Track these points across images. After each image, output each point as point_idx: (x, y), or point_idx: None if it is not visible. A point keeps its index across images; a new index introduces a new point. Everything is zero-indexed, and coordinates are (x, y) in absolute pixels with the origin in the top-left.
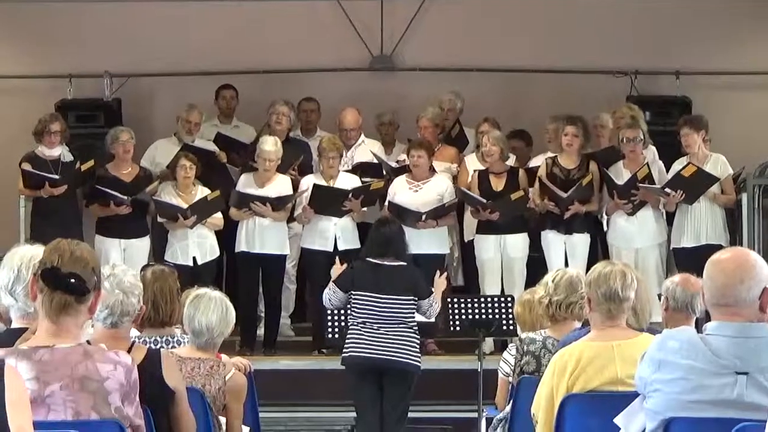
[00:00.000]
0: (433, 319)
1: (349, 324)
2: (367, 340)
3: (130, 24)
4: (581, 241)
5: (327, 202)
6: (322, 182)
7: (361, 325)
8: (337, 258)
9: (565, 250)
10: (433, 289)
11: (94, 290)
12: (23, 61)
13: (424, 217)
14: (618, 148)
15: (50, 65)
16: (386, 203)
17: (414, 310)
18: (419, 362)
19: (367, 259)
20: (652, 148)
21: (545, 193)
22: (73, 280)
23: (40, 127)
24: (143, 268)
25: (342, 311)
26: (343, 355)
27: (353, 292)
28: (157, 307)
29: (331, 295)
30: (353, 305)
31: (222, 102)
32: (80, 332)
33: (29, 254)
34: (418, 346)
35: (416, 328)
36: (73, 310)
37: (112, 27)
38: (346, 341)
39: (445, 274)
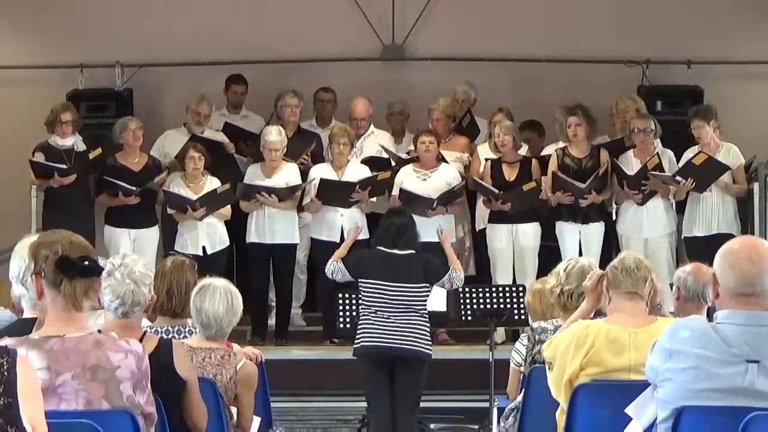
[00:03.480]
0: (460, 285)
1: (360, 314)
2: (378, 329)
3: (141, 14)
4: (596, 230)
5: (334, 194)
6: (332, 171)
7: (372, 315)
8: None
9: (580, 240)
10: (450, 265)
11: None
12: (35, 52)
13: (435, 204)
14: (623, 140)
15: (62, 55)
16: (393, 194)
17: (426, 298)
18: (430, 350)
19: (378, 248)
20: (657, 139)
21: (560, 187)
22: (87, 263)
23: (52, 117)
24: (165, 257)
25: (353, 301)
26: (355, 345)
27: (363, 281)
28: (171, 297)
29: (336, 271)
30: (363, 294)
31: (231, 97)
32: (88, 319)
33: None
34: (429, 334)
35: (427, 315)
36: (93, 292)
37: (123, 17)
38: (358, 331)
39: (445, 231)
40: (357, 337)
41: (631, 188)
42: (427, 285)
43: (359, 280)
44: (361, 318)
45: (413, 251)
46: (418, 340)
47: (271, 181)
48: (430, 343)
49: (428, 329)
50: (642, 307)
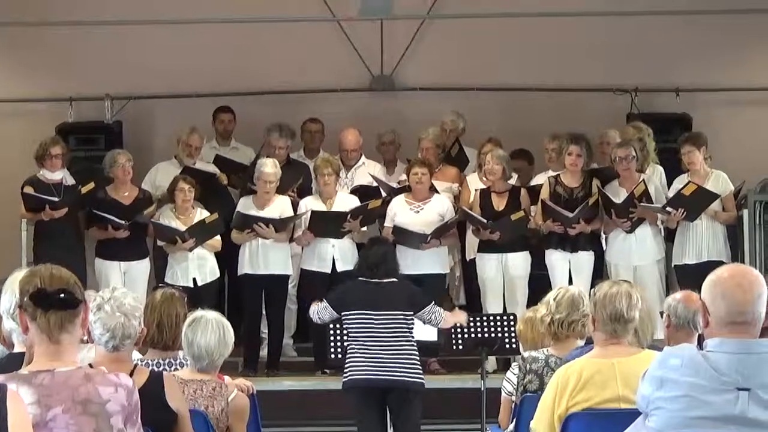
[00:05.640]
0: (437, 327)
1: (347, 346)
2: (367, 360)
3: (130, 47)
4: (586, 259)
5: (326, 225)
6: (320, 202)
7: (359, 346)
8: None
9: (570, 268)
10: (435, 305)
11: (82, 303)
12: (24, 85)
13: (429, 238)
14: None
15: (51, 88)
16: (386, 225)
17: (411, 326)
18: (422, 379)
19: (359, 278)
20: (659, 168)
21: (549, 215)
22: (62, 295)
23: (41, 151)
24: (154, 289)
25: (344, 331)
26: (344, 378)
27: (346, 313)
28: (162, 330)
29: (321, 311)
30: (349, 325)
31: (219, 126)
32: (77, 353)
33: None
34: (418, 362)
35: (415, 343)
36: (71, 325)
37: (112, 50)
38: (346, 364)
39: (459, 314)
40: (345, 369)
41: (619, 217)
42: (411, 312)
43: (343, 313)
44: (348, 351)
45: (394, 279)
46: (408, 370)
47: (263, 213)
48: (421, 371)
49: (417, 357)
50: (625, 341)
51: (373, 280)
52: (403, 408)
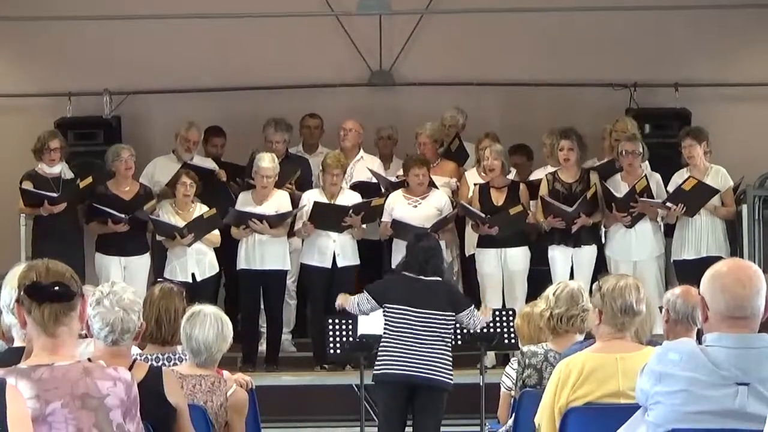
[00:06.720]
0: (478, 329)
1: (382, 338)
2: (400, 355)
3: (128, 42)
4: (588, 253)
5: (327, 218)
6: (324, 199)
7: (395, 340)
8: (340, 296)
9: (572, 264)
10: (474, 308)
11: (78, 296)
12: (22, 80)
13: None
14: (614, 161)
15: (49, 83)
16: (383, 221)
17: (451, 326)
18: (451, 379)
19: (404, 273)
20: (646, 162)
21: (549, 211)
22: (57, 288)
23: (39, 144)
24: (153, 284)
25: (343, 326)
26: (375, 371)
27: (387, 305)
28: (161, 325)
29: (362, 303)
30: (387, 319)
31: (212, 149)
32: (76, 347)
33: None
34: (450, 363)
35: (449, 344)
36: (67, 318)
37: (110, 45)
38: (379, 356)
39: (489, 310)
40: (378, 361)
41: (619, 211)
42: (453, 314)
43: (384, 305)
44: (382, 342)
45: (439, 278)
46: (439, 369)
47: (261, 208)
48: (451, 372)
49: (450, 358)
50: (629, 336)
51: (418, 277)
52: (426, 406)
